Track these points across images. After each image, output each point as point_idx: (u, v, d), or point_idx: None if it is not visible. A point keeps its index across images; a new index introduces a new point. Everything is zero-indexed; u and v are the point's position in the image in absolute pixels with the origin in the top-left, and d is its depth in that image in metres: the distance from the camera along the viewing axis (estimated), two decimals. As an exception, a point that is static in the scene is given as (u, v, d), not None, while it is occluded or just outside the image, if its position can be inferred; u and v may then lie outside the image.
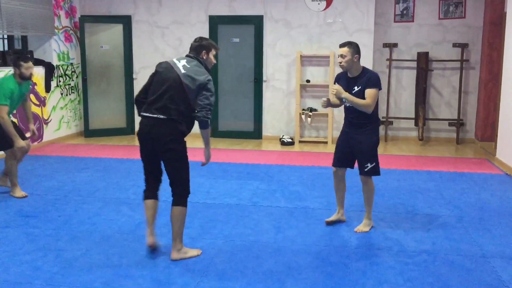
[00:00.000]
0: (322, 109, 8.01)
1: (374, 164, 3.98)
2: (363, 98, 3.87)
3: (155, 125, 3.38)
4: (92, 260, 3.49)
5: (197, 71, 3.44)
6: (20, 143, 4.76)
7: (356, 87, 3.90)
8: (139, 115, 3.52)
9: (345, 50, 3.88)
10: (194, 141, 6.33)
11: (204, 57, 3.55)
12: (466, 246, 3.80)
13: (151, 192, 3.62)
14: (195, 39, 3.61)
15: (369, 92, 3.85)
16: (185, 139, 3.50)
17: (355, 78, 3.93)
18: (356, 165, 4.12)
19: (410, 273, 3.34)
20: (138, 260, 3.50)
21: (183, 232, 3.57)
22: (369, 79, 3.88)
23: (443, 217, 4.46)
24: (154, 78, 3.52)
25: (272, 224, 4.25)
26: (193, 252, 3.60)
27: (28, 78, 4.84)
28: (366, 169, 3.97)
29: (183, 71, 3.42)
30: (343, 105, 4.10)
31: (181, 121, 3.40)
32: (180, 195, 3.50)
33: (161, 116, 3.37)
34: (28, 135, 5.22)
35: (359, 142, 3.97)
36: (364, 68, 3.97)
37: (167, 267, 3.39)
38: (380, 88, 3.91)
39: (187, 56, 3.57)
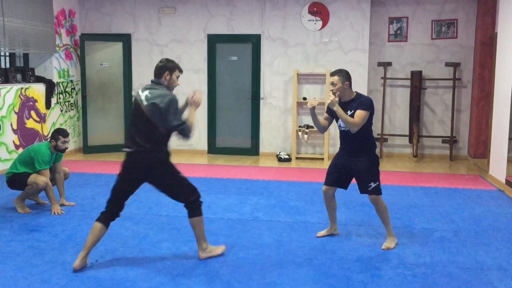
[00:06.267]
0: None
1: (377, 183, 4.04)
2: None
3: (134, 159, 3.58)
4: (99, 273, 3.55)
5: (158, 96, 3.53)
6: (56, 208, 4.96)
7: (349, 111, 4.00)
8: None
9: (335, 78, 4.00)
10: (193, 157, 6.36)
11: (167, 78, 3.63)
12: (463, 259, 3.91)
13: (106, 217, 3.68)
14: (161, 60, 3.73)
15: (358, 113, 3.93)
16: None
17: (347, 103, 4.04)
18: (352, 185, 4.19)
19: (409, 285, 3.43)
20: (145, 272, 3.57)
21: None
22: (361, 102, 3.97)
23: (439, 231, 4.58)
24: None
25: (274, 238, 4.34)
26: (218, 250, 3.89)
27: (62, 151, 5.06)
28: (370, 188, 4.02)
29: (145, 102, 3.54)
30: (338, 130, 4.18)
31: (155, 150, 3.55)
32: (193, 207, 3.70)
33: (135, 149, 3.56)
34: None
35: (360, 162, 4.02)
36: (357, 93, 4.08)
37: (172, 279, 3.46)
38: (370, 111, 3.96)
39: (151, 82, 3.68)
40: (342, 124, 4.06)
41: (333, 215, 4.37)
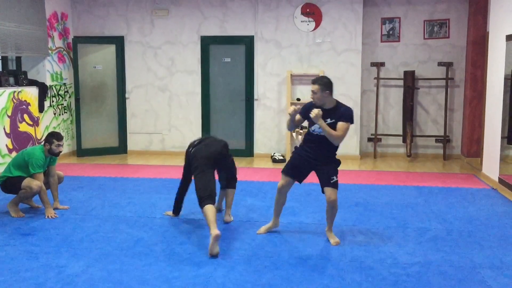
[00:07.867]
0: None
1: (337, 179, 4.19)
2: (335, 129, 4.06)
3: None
4: (93, 276, 3.55)
5: None
6: (50, 211, 4.94)
7: (329, 119, 4.06)
8: None
9: (315, 87, 4.05)
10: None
11: None
12: (457, 258, 3.93)
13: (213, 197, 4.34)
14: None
15: (341, 125, 4.02)
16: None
17: (327, 110, 4.09)
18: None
19: (404, 284, 3.45)
20: (139, 275, 3.57)
21: None
22: (343, 113, 4.07)
23: (433, 230, 4.60)
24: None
25: (268, 239, 4.35)
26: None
27: (56, 155, 5.05)
28: (332, 181, 4.15)
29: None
30: (307, 133, 4.25)
31: None
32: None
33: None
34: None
35: (325, 159, 4.18)
36: (337, 102, 4.14)
37: (166, 281, 3.46)
38: (352, 123, 4.11)
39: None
40: (317, 130, 4.11)
41: (280, 210, 4.48)
